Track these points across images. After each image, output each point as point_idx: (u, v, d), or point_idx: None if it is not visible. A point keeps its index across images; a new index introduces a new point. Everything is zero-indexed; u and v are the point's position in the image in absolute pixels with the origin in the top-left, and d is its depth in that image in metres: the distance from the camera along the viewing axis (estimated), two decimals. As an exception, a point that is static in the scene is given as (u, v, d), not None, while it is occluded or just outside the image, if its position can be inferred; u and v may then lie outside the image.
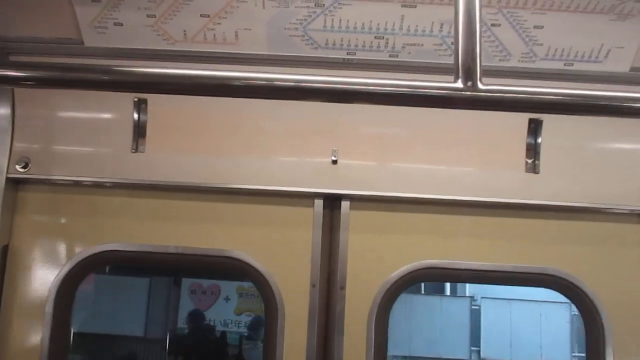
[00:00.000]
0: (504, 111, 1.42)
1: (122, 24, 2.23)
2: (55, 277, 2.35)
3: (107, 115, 2.45)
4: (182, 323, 10.02)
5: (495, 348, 11.84)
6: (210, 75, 1.53)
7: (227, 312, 10.45)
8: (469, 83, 1.33)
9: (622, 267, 2.36)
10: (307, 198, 2.40)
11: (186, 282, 10.57)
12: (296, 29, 2.22)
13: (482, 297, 12.47)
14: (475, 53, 1.35)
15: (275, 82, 1.51)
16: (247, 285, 10.05)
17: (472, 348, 12.10)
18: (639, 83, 2.24)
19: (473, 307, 12.41)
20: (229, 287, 10.53)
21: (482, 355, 12.07)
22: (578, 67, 2.24)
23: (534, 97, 1.38)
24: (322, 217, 2.39)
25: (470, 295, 12.83)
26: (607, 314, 2.30)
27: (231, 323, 10.37)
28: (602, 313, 2.31)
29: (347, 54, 2.27)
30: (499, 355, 11.76)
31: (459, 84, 1.34)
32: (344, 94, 1.43)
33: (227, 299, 10.57)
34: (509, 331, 12.02)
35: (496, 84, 1.39)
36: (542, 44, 2.19)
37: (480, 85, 1.34)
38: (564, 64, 2.24)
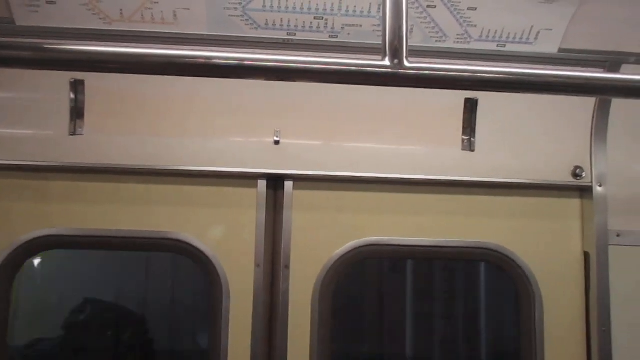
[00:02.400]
0: (430, 88, 1.48)
1: (54, 3, 2.16)
2: None
3: (43, 97, 2.38)
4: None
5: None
6: (149, 54, 1.51)
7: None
8: (396, 61, 1.37)
9: (553, 240, 2.49)
10: (250, 179, 2.41)
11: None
12: (235, 8, 2.21)
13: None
14: (402, 32, 1.39)
15: (214, 60, 1.50)
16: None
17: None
18: (566, 64, 2.34)
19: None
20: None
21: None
22: (510, 48, 2.33)
23: (458, 74, 1.43)
24: (265, 198, 2.42)
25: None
26: (537, 283, 2.43)
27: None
28: (533, 284, 2.43)
29: (288, 34, 2.28)
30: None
31: (386, 62, 1.38)
32: (276, 71, 1.45)
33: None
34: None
35: (423, 62, 1.44)
36: (475, 26, 2.26)
37: (406, 63, 1.39)
38: (497, 45, 2.32)
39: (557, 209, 2.51)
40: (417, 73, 1.41)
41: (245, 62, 1.48)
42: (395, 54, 1.37)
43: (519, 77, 1.53)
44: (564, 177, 2.49)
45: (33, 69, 1.84)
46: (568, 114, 2.49)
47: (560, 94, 1.72)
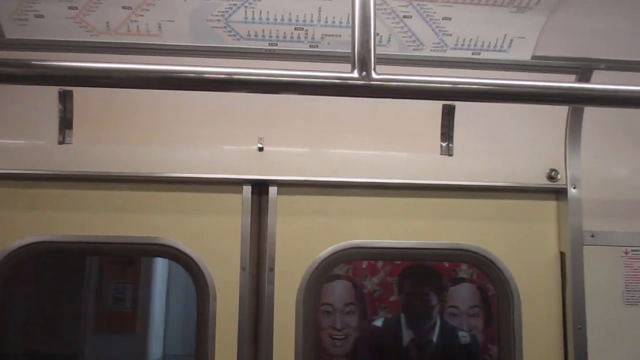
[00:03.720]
0: (397, 98, 1.55)
1: (43, 16, 2.23)
2: None
3: (32, 107, 2.44)
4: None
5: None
6: (139, 69, 1.58)
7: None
8: (364, 73, 1.44)
9: (530, 241, 2.57)
10: (235, 185, 2.48)
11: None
12: (218, 20, 2.28)
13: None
14: (370, 44, 1.46)
15: (205, 75, 1.57)
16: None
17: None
18: (539, 70, 2.42)
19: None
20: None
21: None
22: (485, 55, 2.41)
23: (425, 85, 1.51)
24: (250, 203, 2.48)
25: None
26: (515, 283, 2.50)
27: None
28: (511, 284, 2.50)
29: (269, 44, 2.36)
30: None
31: (355, 74, 1.45)
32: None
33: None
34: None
35: (391, 73, 1.51)
36: (451, 34, 2.34)
37: (374, 75, 1.46)
38: (472, 53, 2.40)
39: (533, 211, 2.59)
40: (385, 84, 1.48)
41: (233, 77, 1.55)
42: (363, 65, 1.45)
43: (490, 87, 1.61)
44: (540, 179, 2.57)
45: (23, 85, 1.90)
46: (543, 118, 2.57)
47: (533, 103, 1.79)
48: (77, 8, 2.23)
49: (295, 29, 2.31)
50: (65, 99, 2.41)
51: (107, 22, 2.27)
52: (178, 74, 1.58)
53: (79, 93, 2.42)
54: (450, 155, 2.55)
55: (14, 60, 1.61)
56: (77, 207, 2.45)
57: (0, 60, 1.61)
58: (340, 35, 2.33)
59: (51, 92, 2.41)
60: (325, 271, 2.52)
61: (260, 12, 2.26)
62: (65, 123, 2.43)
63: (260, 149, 2.48)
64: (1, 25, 2.24)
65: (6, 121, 2.43)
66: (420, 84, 1.50)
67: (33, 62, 1.58)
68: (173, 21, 2.28)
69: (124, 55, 2.30)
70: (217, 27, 2.30)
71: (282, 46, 2.36)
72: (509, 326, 2.51)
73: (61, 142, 2.43)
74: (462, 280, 4.24)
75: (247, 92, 1.68)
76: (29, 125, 2.44)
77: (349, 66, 1.52)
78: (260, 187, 2.52)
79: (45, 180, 2.44)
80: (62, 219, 2.44)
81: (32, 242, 2.41)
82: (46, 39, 2.28)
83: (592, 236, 2.53)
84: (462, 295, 4.19)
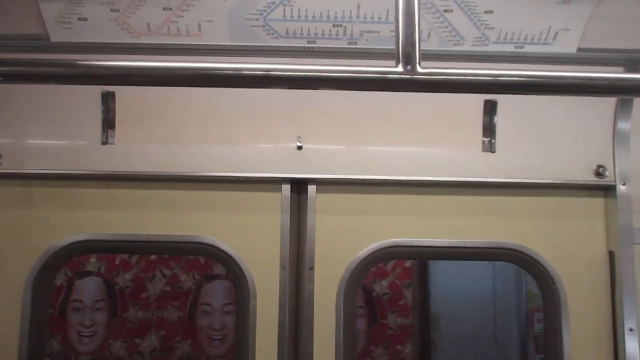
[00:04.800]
0: (442, 92, 1.52)
1: (86, 19, 2.28)
2: (31, 268, 2.41)
3: (76, 108, 2.50)
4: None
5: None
6: (178, 67, 1.58)
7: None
8: (409, 67, 1.42)
9: (576, 239, 2.49)
10: (274, 183, 2.48)
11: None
12: (257, 19, 2.28)
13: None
14: (415, 38, 1.43)
15: (244, 72, 1.57)
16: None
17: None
18: (585, 63, 2.35)
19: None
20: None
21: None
22: (528, 49, 2.34)
23: (471, 78, 1.47)
24: (289, 201, 2.48)
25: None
26: (562, 284, 2.43)
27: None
28: (557, 283, 2.43)
29: (308, 42, 2.35)
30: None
31: (399, 68, 1.42)
32: (293, 80, 1.52)
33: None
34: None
35: (436, 67, 1.48)
36: (493, 28, 2.29)
37: (419, 69, 1.43)
38: (515, 47, 2.34)
39: (580, 208, 2.51)
40: (430, 78, 1.45)
41: (271, 73, 1.54)
42: (408, 59, 1.42)
43: (533, 79, 1.56)
44: (587, 176, 2.48)
45: (67, 84, 1.94)
46: (589, 112, 2.48)
47: (578, 95, 1.73)
48: (118, 10, 2.26)
49: (333, 26, 2.29)
50: (107, 100, 2.45)
51: (148, 24, 2.30)
52: (216, 71, 1.57)
53: (121, 94, 2.46)
54: (493, 151, 2.49)
55: (58, 60, 1.65)
56: (118, 206, 2.49)
57: (46, 60, 1.65)
58: (379, 32, 2.30)
59: (94, 94, 2.46)
60: (366, 270, 2.49)
61: (299, 9, 2.25)
62: (108, 123, 2.47)
63: (299, 147, 2.47)
64: (46, 28, 2.30)
65: (50, 122, 2.49)
66: (466, 77, 1.47)
67: (77, 62, 1.60)
68: (212, 21, 2.29)
69: (165, 57, 2.33)
70: (255, 26, 2.30)
71: (320, 44, 2.35)
72: (555, 327, 2.43)
73: (104, 143, 2.47)
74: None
75: (287, 89, 1.67)
76: (72, 126, 2.49)
77: (388, 63, 1.50)
78: (299, 186, 2.51)
79: (87, 180, 2.49)
80: (103, 218, 2.48)
81: (75, 241, 2.46)
82: (89, 41, 2.33)
83: None
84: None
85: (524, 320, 4.59)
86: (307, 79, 1.55)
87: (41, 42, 2.32)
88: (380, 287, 4.27)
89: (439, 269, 4.91)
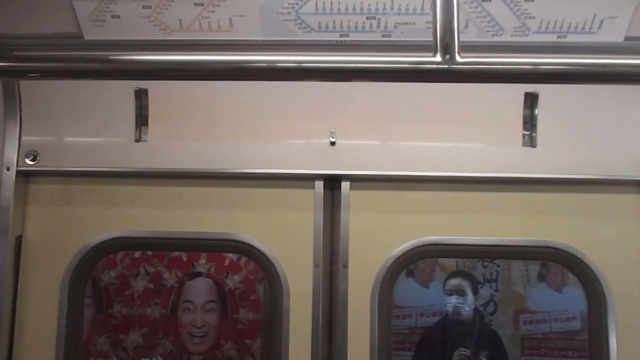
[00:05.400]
0: (483, 82, 1.45)
1: (119, 17, 2.28)
2: (68, 265, 2.43)
3: (110, 106, 2.51)
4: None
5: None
6: (211, 60, 1.58)
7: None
8: (447, 57, 1.36)
9: (622, 237, 2.37)
10: (307, 180, 2.44)
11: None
12: (289, 13, 2.25)
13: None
14: (453, 26, 1.37)
15: (277, 64, 1.54)
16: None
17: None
18: (633, 52, 2.23)
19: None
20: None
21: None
22: (572, 38, 2.24)
23: (512, 67, 1.40)
24: (322, 198, 2.44)
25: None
26: (608, 284, 2.32)
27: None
28: (603, 283, 2.33)
29: (341, 35, 2.29)
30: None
31: (438, 58, 1.37)
32: (329, 72, 1.48)
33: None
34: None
35: (476, 56, 1.42)
36: (534, 17, 2.19)
37: (458, 59, 1.37)
38: (557, 37, 2.24)
39: (625, 206, 2.39)
40: (469, 68, 1.39)
41: (304, 65, 1.51)
42: (447, 49, 1.36)
43: (577, 67, 1.48)
44: (633, 171, 2.37)
45: (102, 79, 1.95)
46: (633, 105, 2.37)
47: (624, 84, 1.64)
48: (151, 7, 2.25)
49: (367, 18, 2.23)
50: (140, 97, 2.46)
51: (180, 20, 2.29)
52: (249, 64, 1.55)
53: (153, 91, 2.46)
54: (534, 146, 2.39)
55: (92, 56, 1.64)
56: (150, 203, 2.49)
57: (80, 56, 1.65)
58: (414, 23, 2.23)
59: (127, 91, 2.46)
60: (401, 268, 2.43)
61: (331, 2, 2.20)
62: (142, 120, 2.47)
63: (332, 143, 2.43)
64: (80, 26, 2.31)
65: (85, 120, 2.51)
66: (507, 67, 1.40)
67: (111, 57, 1.60)
68: (244, 16, 2.26)
69: (197, 52, 2.31)
70: (287, 20, 2.26)
71: (353, 37, 2.29)
72: (601, 330, 2.33)
73: (137, 140, 2.47)
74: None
75: (321, 81, 1.63)
76: (106, 123, 2.51)
77: (425, 55, 1.44)
78: (332, 182, 2.47)
79: (121, 177, 2.50)
80: (136, 215, 2.49)
81: (109, 237, 2.47)
82: (122, 38, 2.33)
83: None
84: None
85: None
86: (342, 71, 1.51)
87: (75, 41, 2.34)
88: (233, 281, 4.21)
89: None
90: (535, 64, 1.45)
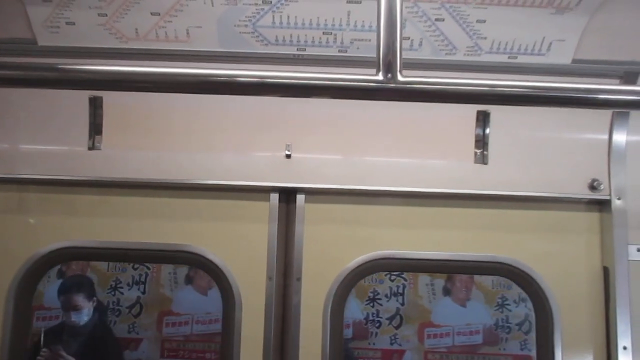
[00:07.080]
0: (424, 102, 1.48)
1: (74, 23, 2.26)
2: (14, 275, 2.38)
3: (64, 113, 2.47)
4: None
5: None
6: (170, 73, 1.55)
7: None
8: (389, 75, 1.38)
9: (569, 253, 2.43)
10: (262, 192, 2.44)
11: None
12: (246, 25, 2.26)
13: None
14: (396, 46, 1.40)
15: (237, 78, 1.53)
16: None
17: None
18: (580, 74, 2.30)
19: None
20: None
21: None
22: (522, 59, 2.30)
23: (452, 88, 1.43)
24: (277, 211, 2.44)
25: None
26: (555, 299, 2.37)
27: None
28: (550, 298, 2.37)
29: (297, 49, 2.31)
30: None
31: (380, 77, 1.39)
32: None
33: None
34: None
35: (418, 75, 1.44)
36: (485, 38, 2.25)
37: (400, 78, 1.39)
38: (509, 57, 2.30)
39: (574, 223, 2.45)
40: (411, 87, 1.41)
41: (267, 80, 1.51)
42: (389, 68, 1.38)
43: (521, 90, 1.52)
44: (581, 190, 2.43)
45: (56, 89, 1.91)
46: (584, 124, 2.44)
47: (573, 107, 1.68)
48: (107, 15, 2.24)
49: (323, 33, 2.26)
50: (95, 105, 2.43)
51: (136, 29, 2.28)
52: (209, 78, 1.54)
53: (109, 99, 2.44)
54: (485, 163, 2.44)
55: (46, 64, 1.61)
56: (104, 213, 2.46)
57: (33, 64, 1.62)
58: (370, 40, 2.26)
59: (82, 99, 2.43)
60: (354, 282, 2.44)
61: (288, 16, 2.22)
62: (96, 129, 2.44)
63: (288, 156, 2.43)
64: (34, 32, 2.27)
65: (38, 127, 2.46)
66: (449, 87, 1.43)
67: (65, 67, 1.57)
68: (201, 27, 2.26)
69: (153, 62, 2.30)
70: (244, 32, 2.27)
71: (310, 51, 2.31)
72: (547, 344, 2.37)
73: (91, 148, 2.44)
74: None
75: (277, 96, 1.63)
76: (60, 131, 2.47)
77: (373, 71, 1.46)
78: (288, 195, 2.47)
79: (74, 186, 2.46)
80: (89, 224, 2.45)
81: (60, 247, 2.42)
82: (77, 45, 2.30)
83: (639, 250, 2.38)
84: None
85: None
86: (293, 87, 1.52)
87: (29, 46, 2.30)
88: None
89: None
90: (478, 85, 1.49)
